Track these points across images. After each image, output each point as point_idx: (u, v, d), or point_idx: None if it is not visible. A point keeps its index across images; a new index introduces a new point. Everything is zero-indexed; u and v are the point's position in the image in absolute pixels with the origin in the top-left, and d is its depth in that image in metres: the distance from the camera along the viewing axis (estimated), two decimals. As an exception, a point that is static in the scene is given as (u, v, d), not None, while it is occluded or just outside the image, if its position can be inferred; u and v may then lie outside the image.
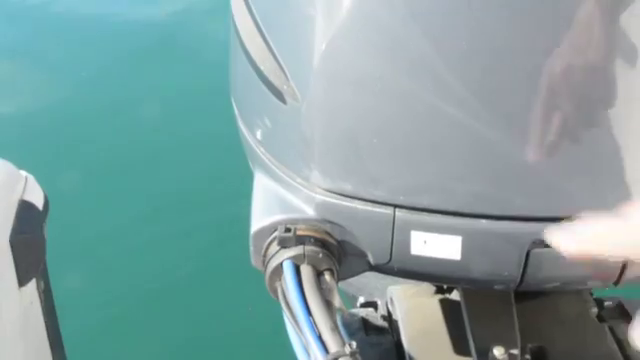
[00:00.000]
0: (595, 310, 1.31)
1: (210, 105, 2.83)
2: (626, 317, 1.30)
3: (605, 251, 0.79)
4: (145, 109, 4.21)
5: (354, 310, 1.45)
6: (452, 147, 0.99)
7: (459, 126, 0.98)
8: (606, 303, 1.34)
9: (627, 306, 1.32)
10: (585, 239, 0.81)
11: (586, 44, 0.94)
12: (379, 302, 1.47)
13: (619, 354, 1.22)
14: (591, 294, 1.34)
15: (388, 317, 1.42)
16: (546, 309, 1.27)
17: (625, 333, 1.25)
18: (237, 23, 1.22)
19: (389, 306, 1.42)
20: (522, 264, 1.05)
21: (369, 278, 1.29)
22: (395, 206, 1.05)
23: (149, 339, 3.02)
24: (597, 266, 1.08)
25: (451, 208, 1.01)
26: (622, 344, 1.24)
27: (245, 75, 1.19)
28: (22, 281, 1.08)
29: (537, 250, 1.04)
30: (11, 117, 4.27)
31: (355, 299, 1.55)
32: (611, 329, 1.27)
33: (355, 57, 1.00)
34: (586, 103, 0.96)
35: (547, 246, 1.04)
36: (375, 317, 1.42)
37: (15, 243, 1.05)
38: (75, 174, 3.69)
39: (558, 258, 0.96)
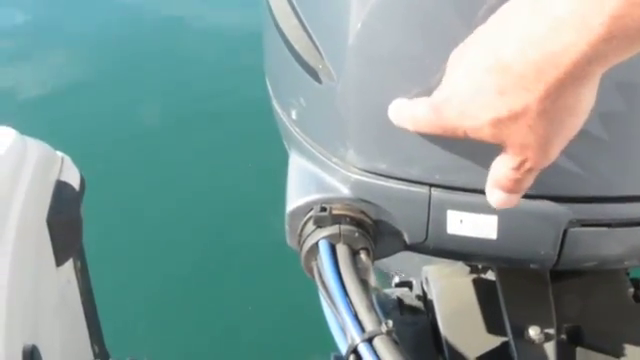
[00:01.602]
0: (631, 290, 1.29)
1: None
2: None
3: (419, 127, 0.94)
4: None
5: (389, 290, 1.45)
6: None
7: None
8: None
9: None
10: (404, 117, 0.97)
11: None
12: (414, 282, 1.47)
13: None
14: (627, 274, 1.33)
15: (423, 297, 1.42)
16: (582, 289, 1.26)
17: None
18: (271, 2, 1.22)
19: (424, 286, 1.42)
20: (559, 243, 1.04)
21: (404, 258, 1.28)
22: (431, 185, 1.05)
23: (183, 319, 3.05)
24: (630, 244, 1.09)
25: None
26: None
27: (279, 55, 1.18)
28: (59, 260, 1.10)
29: (574, 229, 1.03)
30: (46, 99, 4.30)
31: (390, 279, 1.54)
32: None
33: (390, 36, 1.00)
34: (622, 83, 0.95)
35: (584, 225, 1.03)
36: (410, 297, 1.42)
37: (52, 223, 1.07)
38: (110, 156, 3.73)
39: (595, 237, 0.96)
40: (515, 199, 0.91)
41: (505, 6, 0.82)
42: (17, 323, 0.84)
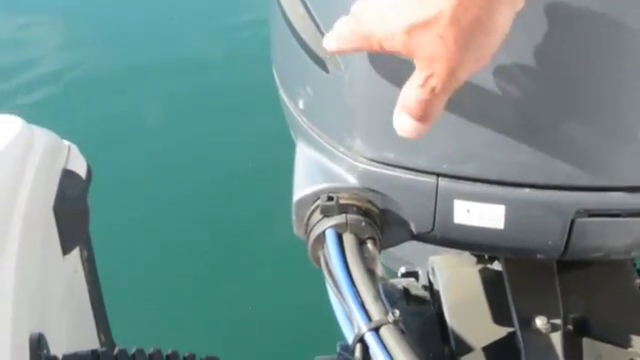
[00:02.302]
0: (638, 281, 1.29)
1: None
2: None
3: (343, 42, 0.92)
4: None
5: (395, 280, 1.46)
6: (497, 116, 0.99)
7: (505, 95, 0.97)
8: None
9: None
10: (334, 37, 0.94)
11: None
12: (420, 272, 1.48)
13: None
14: (634, 265, 1.32)
15: (429, 287, 1.42)
16: (589, 280, 1.26)
17: None
18: None
19: (430, 276, 1.42)
20: (566, 233, 1.04)
21: (410, 248, 1.28)
22: (438, 175, 1.05)
23: (189, 309, 3.06)
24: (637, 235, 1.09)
25: (495, 177, 1.01)
26: None
27: (287, 44, 1.18)
28: (66, 249, 1.10)
29: (581, 219, 1.03)
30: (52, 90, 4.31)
31: (396, 269, 1.55)
32: None
33: None
34: (628, 75, 0.95)
35: (591, 215, 1.03)
36: (416, 287, 1.43)
37: (59, 211, 1.07)
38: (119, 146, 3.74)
39: (602, 227, 0.96)
40: (421, 129, 0.91)
41: None
42: (24, 311, 0.85)
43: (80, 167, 1.16)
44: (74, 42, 4.87)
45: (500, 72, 0.97)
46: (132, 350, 0.92)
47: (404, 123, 0.90)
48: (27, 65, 4.64)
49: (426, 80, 0.85)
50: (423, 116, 0.88)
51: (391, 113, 1.01)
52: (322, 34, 1.08)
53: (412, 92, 0.87)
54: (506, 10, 0.82)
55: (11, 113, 1.10)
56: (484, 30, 0.83)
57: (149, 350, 0.92)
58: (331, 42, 0.95)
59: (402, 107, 0.89)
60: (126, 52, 4.70)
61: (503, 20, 0.83)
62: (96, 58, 4.66)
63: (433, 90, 0.85)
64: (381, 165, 1.08)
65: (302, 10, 1.12)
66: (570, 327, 1.20)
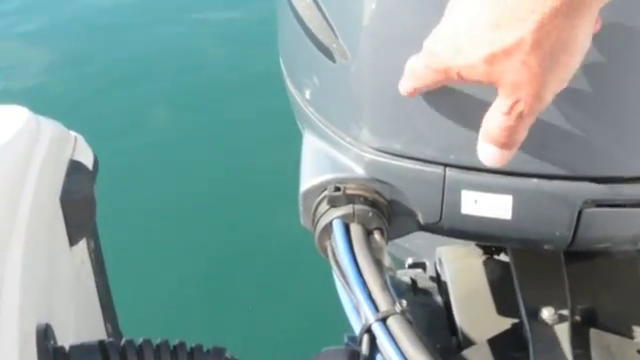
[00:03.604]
0: None
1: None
2: None
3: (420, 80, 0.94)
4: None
5: (402, 271, 1.47)
6: None
7: None
8: None
9: None
10: (405, 77, 0.96)
11: None
12: (427, 263, 1.48)
13: None
14: None
15: (437, 278, 1.43)
16: (596, 270, 1.26)
17: None
18: None
19: (437, 267, 1.43)
20: (573, 224, 1.04)
21: (417, 239, 1.28)
22: (445, 165, 1.05)
23: (196, 300, 3.06)
24: None
25: (502, 167, 1.01)
26: None
27: (293, 35, 1.18)
28: (73, 240, 1.10)
29: (589, 210, 1.03)
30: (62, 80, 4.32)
31: (403, 260, 1.55)
32: None
33: (405, 15, 1.00)
34: (636, 63, 0.95)
35: (599, 206, 1.03)
36: (424, 278, 1.43)
37: (66, 202, 1.07)
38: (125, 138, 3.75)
39: (610, 218, 0.95)
40: (507, 155, 0.89)
41: None
42: (31, 302, 0.84)
43: (87, 158, 1.16)
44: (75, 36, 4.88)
45: None
46: (139, 341, 0.92)
47: (489, 152, 0.89)
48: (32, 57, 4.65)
49: (512, 107, 0.84)
50: (509, 142, 0.88)
51: (398, 103, 1.02)
52: (328, 24, 1.08)
53: (497, 120, 0.86)
54: (586, 27, 0.81)
55: (17, 104, 1.11)
56: (566, 50, 0.81)
57: (156, 341, 0.93)
58: (407, 83, 0.96)
59: (486, 136, 0.89)
60: (130, 44, 4.70)
61: (583, 37, 0.81)
62: (101, 50, 4.66)
63: (520, 116, 0.85)
64: (388, 155, 1.08)
65: (309, 0, 1.12)
66: (577, 318, 1.20)
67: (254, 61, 3.76)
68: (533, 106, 0.84)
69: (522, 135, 0.87)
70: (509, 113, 0.85)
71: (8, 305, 0.78)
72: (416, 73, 0.94)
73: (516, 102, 0.84)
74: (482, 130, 0.89)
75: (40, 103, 1.17)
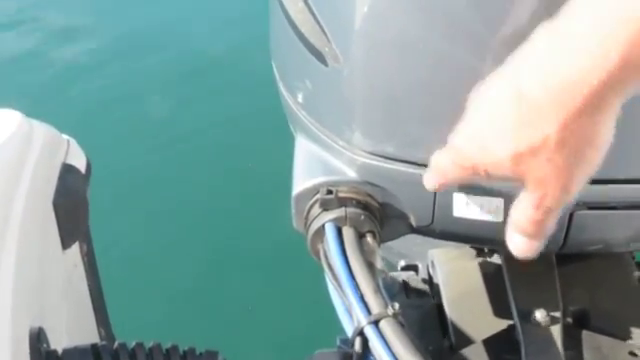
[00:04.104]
0: (637, 274, 1.30)
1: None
2: None
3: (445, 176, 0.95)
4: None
5: (395, 273, 1.47)
6: None
7: None
8: None
9: None
10: (429, 173, 0.96)
11: None
12: (420, 265, 1.49)
13: None
14: (633, 257, 1.33)
15: (429, 280, 1.43)
16: (588, 272, 1.26)
17: None
18: None
19: (430, 269, 1.43)
20: (565, 226, 1.05)
21: (410, 241, 1.29)
22: None
23: (188, 304, 3.07)
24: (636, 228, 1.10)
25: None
26: None
27: (286, 38, 1.19)
28: (66, 244, 1.11)
29: (580, 212, 1.04)
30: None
31: (396, 262, 1.55)
32: None
33: (397, 19, 1.01)
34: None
35: (590, 208, 1.04)
36: (416, 280, 1.44)
37: (58, 206, 1.07)
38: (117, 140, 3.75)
39: (601, 220, 0.96)
40: (536, 246, 0.90)
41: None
42: (24, 306, 0.85)
43: (79, 161, 1.16)
44: (71, 33, 4.87)
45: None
46: (132, 344, 0.92)
47: (518, 243, 0.90)
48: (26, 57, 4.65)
49: (540, 201, 0.85)
50: (537, 234, 0.88)
51: (390, 106, 1.03)
52: (321, 27, 1.09)
53: (525, 213, 0.87)
54: (609, 121, 0.81)
55: (8, 107, 1.11)
56: (591, 146, 0.81)
57: (148, 344, 0.93)
58: (432, 178, 0.96)
59: (514, 227, 0.89)
60: (124, 43, 4.70)
61: (607, 131, 0.81)
62: (95, 51, 4.66)
63: (548, 210, 0.85)
64: (380, 158, 1.08)
65: (301, 3, 1.13)
66: (569, 320, 1.21)
67: (252, 58, 3.75)
68: (560, 199, 0.85)
69: (550, 225, 0.88)
70: (537, 207, 0.85)
71: (1, 309, 0.79)
72: (441, 169, 0.94)
73: (543, 196, 0.85)
74: (510, 221, 0.90)
75: (31, 107, 1.17)
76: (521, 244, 0.89)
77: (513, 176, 0.85)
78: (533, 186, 0.84)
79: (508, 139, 0.82)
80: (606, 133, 0.81)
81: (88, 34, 4.82)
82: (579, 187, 0.84)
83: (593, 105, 0.77)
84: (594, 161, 0.83)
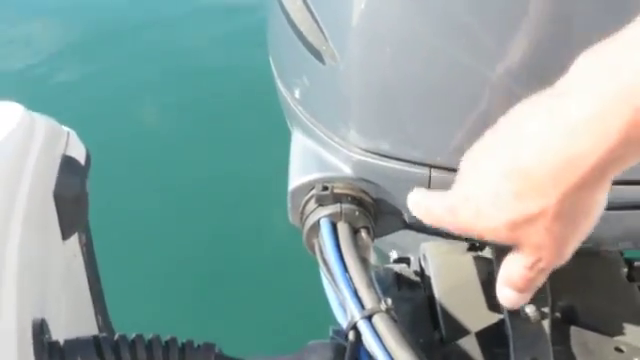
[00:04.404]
0: (625, 270, 1.32)
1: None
2: None
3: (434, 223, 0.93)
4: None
5: (387, 266, 1.47)
6: (486, 108, 1.01)
7: (496, 88, 1.00)
8: (636, 263, 1.34)
9: None
10: (415, 206, 0.96)
11: None
12: (412, 258, 1.50)
13: None
14: (622, 255, 1.35)
15: (421, 273, 1.44)
16: (577, 268, 1.24)
17: None
18: None
19: (422, 262, 1.44)
20: None
21: (403, 234, 1.30)
22: (431, 166, 1.07)
23: (187, 296, 3.08)
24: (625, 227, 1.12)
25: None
26: None
27: (284, 35, 1.20)
28: (65, 234, 1.11)
29: None
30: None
31: (388, 254, 1.56)
32: None
33: (392, 18, 1.02)
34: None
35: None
36: (408, 273, 1.44)
37: (59, 197, 1.08)
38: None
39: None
40: (525, 298, 0.92)
41: (520, 108, 0.83)
42: (27, 297, 0.85)
43: (79, 153, 1.17)
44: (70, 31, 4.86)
45: (492, 68, 0.99)
46: (132, 336, 0.93)
47: (508, 295, 0.91)
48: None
49: (534, 264, 0.86)
50: (528, 289, 0.90)
51: (386, 105, 1.04)
52: (318, 26, 1.10)
53: (517, 271, 0.88)
54: (605, 191, 0.82)
55: (8, 99, 1.12)
56: (587, 215, 0.83)
57: (148, 336, 0.94)
58: (421, 216, 0.96)
59: (506, 282, 0.91)
60: (123, 36, 4.69)
61: (602, 197, 0.83)
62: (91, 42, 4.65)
63: (541, 271, 0.87)
64: (375, 156, 1.10)
65: (299, 2, 1.14)
66: (558, 315, 1.22)
67: (250, 56, 3.74)
68: (554, 262, 0.87)
69: (541, 282, 0.90)
70: (531, 268, 0.87)
71: (6, 301, 0.79)
72: (432, 217, 0.94)
73: (538, 260, 0.86)
74: (502, 275, 0.91)
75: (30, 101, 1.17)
76: (511, 297, 0.91)
77: (508, 242, 0.86)
78: (529, 250, 0.86)
79: (505, 209, 0.83)
80: (602, 202, 0.82)
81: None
82: (573, 250, 0.86)
83: (593, 180, 0.78)
84: (589, 227, 0.84)
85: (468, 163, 0.89)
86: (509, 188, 0.81)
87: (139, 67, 4.38)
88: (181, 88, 4.22)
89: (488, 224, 0.85)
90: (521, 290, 0.90)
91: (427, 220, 0.95)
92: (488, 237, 0.87)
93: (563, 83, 0.77)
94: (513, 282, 0.89)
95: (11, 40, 4.79)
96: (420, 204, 0.96)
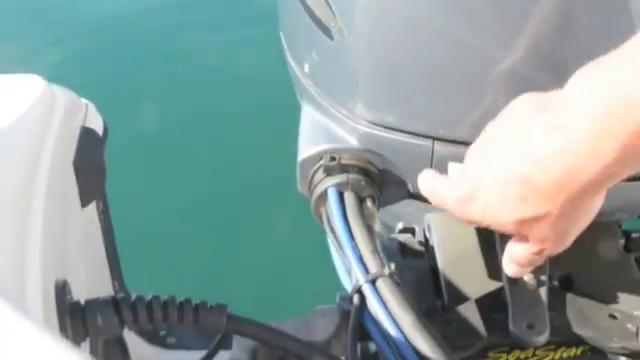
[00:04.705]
0: (622, 242, 1.35)
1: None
2: None
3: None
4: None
5: (393, 235, 1.50)
6: (488, 83, 1.04)
7: (495, 63, 1.03)
8: (633, 235, 1.37)
9: None
10: (426, 189, 1.02)
11: None
12: (417, 228, 1.52)
13: None
14: (619, 226, 1.37)
15: (425, 243, 1.46)
16: (576, 239, 1.28)
17: None
18: None
19: (426, 232, 1.46)
20: None
21: (408, 206, 1.33)
22: (434, 139, 1.11)
23: (197, 257, 3.10)
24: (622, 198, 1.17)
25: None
26: None
27: (294, 11, 1.23)
28: (84, 202, 1.14)
29: None
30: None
31: (394, 225, 1.59)
32: (637, 259, 1.31)
33: None
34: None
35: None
36: (413, 242, 1.47)
37: (78, 167, 1.11)
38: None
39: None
40: (527, 270, 1.04)
41: (519, 112, 0.88)
42: (50, 260, 0.88)
43: (97, 124, 1.20)
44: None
45: (492, 44, 1.02)
46: (148, 297, 0.97)
47: (513, 269, 1.02)
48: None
49: (539, 251, 0.94)
50: (532, 265, 1.00)
51: (391, 79, 1.08)
52: (327, 3, 1.13)
53: (523, 254, 0.96)
54: (603, 193, 0.89)
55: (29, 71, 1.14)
56: (587, 213, 0.90)
57: (163, 297, 0.98)
58: (433, 201, 1.02)
59: (512, 259, 1.00)
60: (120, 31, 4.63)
61: (601, 199, 0.90)
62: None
63: (545, 256, 0.96)
64: (381, 128, 1.14)
65: None
66: (556, 283, 1.25)
67: (250, 51, 3.73)
68: (556, 250, 0.95)
69: (543, 260, 0.99)
70: (535, 254, 0.95)
71: (33, 263, 0.82)
72: (444, 205, 0.99)
73: (542, 249, 0.94)
74: (508, 255, 1.00)
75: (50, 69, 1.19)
76: (517, 271, 1.02)
77: (515, 234, 0.94)
78: (534, 242, 0.93)
79: (511, 210, 0.88)
80: (600, 201, 0.90)
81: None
82: (573, 239, 0.94)
83: (593, 190, 0.84)
84: (588, 221, 0.92)
85: (475, 157, 0.95)
86: (515, 191, 0.86)
87: (139, 62, 4.34)
88: (184, 83, 4.17)
89: (495, 220, 0.91)
90: (525, 266, 0.99)
91: (437, 205, 1.00)
92: (496, 228, 0.93)
93: (561, 98, 0.82)
94: (519, 262, 0.97)
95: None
96: (431, 190, 1.01)
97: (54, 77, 1.15)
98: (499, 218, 0.91)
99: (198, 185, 3.47)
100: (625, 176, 0.82)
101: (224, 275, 3.03)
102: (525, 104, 0.87)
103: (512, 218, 0.89)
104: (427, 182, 1.02)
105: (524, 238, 0.94)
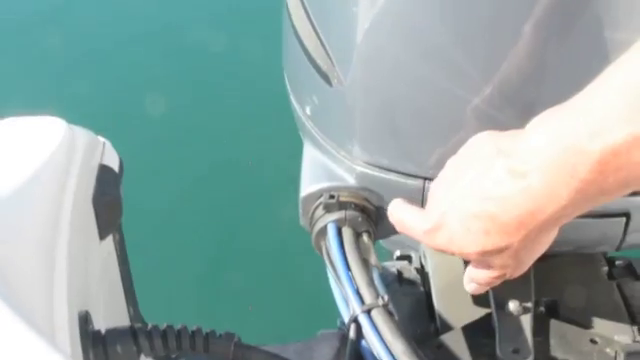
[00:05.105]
0: (606, 269, 1.40)
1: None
2: (634, 275, 1.40)
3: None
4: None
5: (390, 263, 1.55)
6: (467, 126, 1.10)
7: (475, 113, 1.10)
8: (617, 262, 1.42)
9: (635, 265, 1.41)
10: (394, 219, 1.12)
11: None
12: (413, 255, 1.58)
13: (624, 308, 1.31)
14: (604, 255, 1.42)
15: (421, 270, 1.51)
16: (560, 268, 1.35)
17: (632, 290, 1.36)
18: (289, 7, 1.33)
19: (422, 260, 1.52)
20: None
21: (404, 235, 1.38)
22: (425, 178, 1.17)
23: (198, 286, 3.13)
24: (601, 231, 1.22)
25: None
26: (628, 300, 1.33)
27: (296, 56, 1.30)
28: (102, 235, 1.19)
29: None
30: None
31: (393, 251, 1.64)
32: (619, 286, 1.36)
33: (391, 51, 1.12)
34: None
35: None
36: (409, 269, 1.52)
37: (97, 203, 1.15)
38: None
39: (573, 226, 1.03)
40: (486, 288, 1.11)
41: (479, 152, 0.95)
42: (74, 292, 0.93)
43: (113, 161, 1.24)
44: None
45: (472, 93, 1.09)
46: (163, 326, 1.03)
47: (474, 288, 1.10)
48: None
49: (499, 275, 1.02)
50: (491, 285, 1.07)
51: (383, 124, 1.15)
52: (327, 53, 1.20)
53: (484, 277, 1.05)
54: (558, 229, 0.97)
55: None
56: (545, 243, 0.98)
57: (177, 326, 1.03)
58: (400, 228, 1.11)
59: (472, 279, 1.08)
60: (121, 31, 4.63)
61: (555, 233, 0.98)
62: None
63: (503, 279, 1.04)
64: (376, 168, 1.20)
65: (310, 29, 1.24)
66: (542, 309, 1.31)
67: (254, 51, 3.73)
68: (516, 275, 1.04)
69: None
70: (495, 277, 1.03)
71: (60, 295, 0.88)
72: (411, 233, 1.08)
73: (503, 274, 1.03)
74: (469, 275, 1.08)
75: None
76: (477, 289, 1.10)
77: (477, 262, 1.03)
78: (495, 268, 1.01)
79: (475, 242, 0.95)
80: (557, 232, 0.97)
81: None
82: (531, 264, 1.02)
83: (550, 227, 0.92)
84: (545, 249, 1.00)
85: (439, 191, 1.01)
86: (480, 226, 0.93)
87: (142, 61, 4.33)
88: (186, 83, 4.19)
89: (461, 250, 0.98)
90: (484, 286, 1.07)
91: (404, 234, 1.09)
92: (460, 256, 1.02)
93: (519, 142, 0.88)
94: (480, 282, 1.05)
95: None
96: (399, 219, 1.10)
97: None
98: (464, 249, 0.98)
99: (198, 185, 3.51)
100: (578, 214, 0.89)
101: (224, 275, 3.09)
102: (485, 144, 0.95)
103: (476, 249, 0.96)
104: (395, 212, 1.11)
105: (486, 264, 1.02)
